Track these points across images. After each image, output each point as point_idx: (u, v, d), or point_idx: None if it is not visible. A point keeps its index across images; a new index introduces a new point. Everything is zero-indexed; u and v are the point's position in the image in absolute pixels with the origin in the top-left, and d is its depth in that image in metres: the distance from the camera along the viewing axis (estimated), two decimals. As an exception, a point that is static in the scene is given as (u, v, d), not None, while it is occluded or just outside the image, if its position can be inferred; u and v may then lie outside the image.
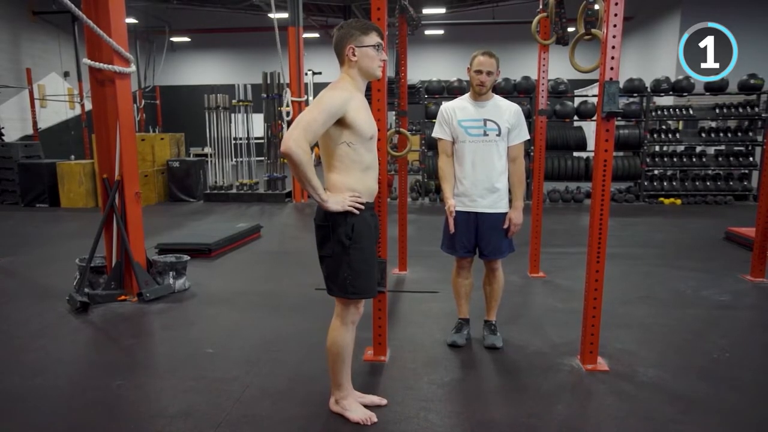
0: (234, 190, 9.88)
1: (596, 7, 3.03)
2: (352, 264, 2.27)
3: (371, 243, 2.35)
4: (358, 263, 2.28)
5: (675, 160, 9.27)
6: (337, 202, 2.21)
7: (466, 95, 3.14)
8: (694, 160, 9.27)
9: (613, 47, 2.66)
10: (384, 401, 2.57)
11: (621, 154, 9.46)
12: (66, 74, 15.64)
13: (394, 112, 4.61)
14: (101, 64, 3.92)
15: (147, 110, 17.68)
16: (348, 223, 2.24)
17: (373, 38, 2.25)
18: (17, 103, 13.71)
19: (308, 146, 2.08)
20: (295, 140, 2.05)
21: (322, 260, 2.34)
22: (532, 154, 5.41)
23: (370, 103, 2.45)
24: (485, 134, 3.02)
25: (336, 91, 2.20)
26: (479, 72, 2.99)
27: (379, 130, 2.86)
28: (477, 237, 3.10)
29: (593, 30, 3.10)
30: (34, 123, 13.33)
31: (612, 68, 2.68)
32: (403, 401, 2.60)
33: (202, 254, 5.43)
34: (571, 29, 3.60)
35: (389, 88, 3.46)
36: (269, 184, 9.82)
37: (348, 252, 2.26)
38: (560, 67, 6.99)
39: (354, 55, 2.24)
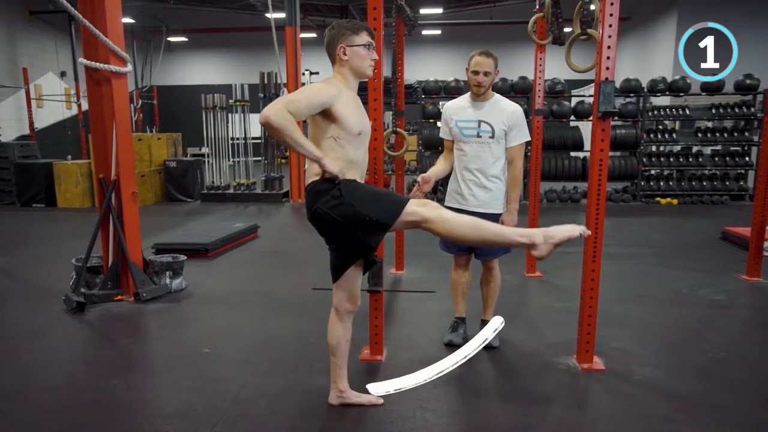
0: (231, 190, 9.85)
1: (592, 7, 3.04)
2: (360, 208, 2.14)
3: (365, 186, 2.26)
4: (365, 202, 2.16)
5: (671, 160, 9.29)
6: (335, 163, 2.16)
7: (467, 95, 3.14)
8: (690, 160, 9.29)
9: (609, 47, 2.67)
10: (380, 401, 2.57)
11: (618, 154, 9.47)
12: (63, 74, 15.58)
13: (391, 112, 4.61)
14: (97, 64, 3.91)
15: (144, 110, 17.63)
16: (331, 195, 2.16)
17: (364, 37, 2.27)
18: (14, 102, 13.66)
19: (289, 115, 2.02)
20: (273, 109, 2.01)
21: (340, 239, 2.27)
22: (529, 154, 5.40)
23: (365, 102, 2.45)
24: (478, 135, 3.03)
25: (325, 83, 2.24)
26: (476, 72, 2.99)
27: (375, 129, 2.87)
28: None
29: (589, 30, 3.10)
30: (31, 123, 13.28)
31: (608, 68, 2.69)
32: (399, 401, 2.60)
33: (199, 254, 5.42)
34: (567, 29, 3.61)
35: (386, 88, 3.46)
36: (266, 184, 9.80)
37: (350, 207, 2.14)
38: (557, 67, 6.98)
39: (345, 54, 2.26)
